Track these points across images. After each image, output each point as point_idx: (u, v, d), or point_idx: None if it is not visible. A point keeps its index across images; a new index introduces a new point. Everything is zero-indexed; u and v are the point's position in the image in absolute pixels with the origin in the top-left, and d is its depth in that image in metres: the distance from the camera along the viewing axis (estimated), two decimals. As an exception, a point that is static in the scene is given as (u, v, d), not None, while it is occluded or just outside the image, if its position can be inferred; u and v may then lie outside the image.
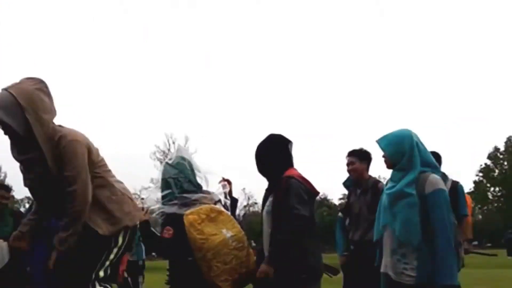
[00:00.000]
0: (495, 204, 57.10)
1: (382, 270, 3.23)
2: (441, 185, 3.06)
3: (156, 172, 34.36)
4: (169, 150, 37.66)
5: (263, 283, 3.20)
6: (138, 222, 3.10)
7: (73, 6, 70.78)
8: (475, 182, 57.08)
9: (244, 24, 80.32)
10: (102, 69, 70.33)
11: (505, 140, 56.49)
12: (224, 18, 73.53)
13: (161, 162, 37.12)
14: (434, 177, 3.08)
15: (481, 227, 72.50)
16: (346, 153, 5.13)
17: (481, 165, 57.18)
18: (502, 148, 56.61)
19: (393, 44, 77.03)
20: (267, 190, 3.51)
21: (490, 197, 57.23)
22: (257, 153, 3.44)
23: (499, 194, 56.49)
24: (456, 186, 5.50)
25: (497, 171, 56.69)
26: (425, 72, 77.74)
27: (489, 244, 67.57)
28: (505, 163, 56.13)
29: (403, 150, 3.14)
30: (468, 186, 54.32)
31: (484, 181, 56.91)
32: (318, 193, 3.42)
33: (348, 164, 5.06)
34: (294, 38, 77.33)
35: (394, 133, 3.26)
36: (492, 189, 57.04)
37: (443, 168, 5.72)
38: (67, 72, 63.01)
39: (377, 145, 3.27)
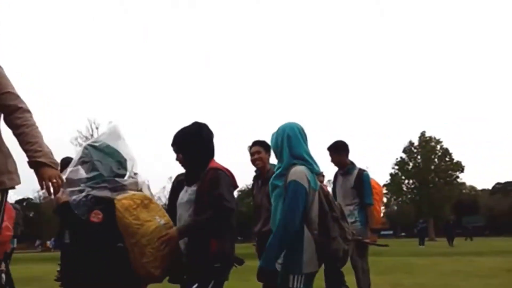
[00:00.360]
0: (409, 196, 59.71)
1: None
2: (297, 176, 3.05)
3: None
4: (91, 135, 36.61)
5: (178, 271, 3.23)
6: (15, 187, 2.68)
7: (73, 6, 67.57)
8: (391, 174, 59.61)
9: (244, 24, 79.18)
10: (101, 68, 67.44)
11: (419, 135, 59.46)
12: (224, 18, 72.30)
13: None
14: (296, 169, 3.09)
15: (395, 218, 76.23)
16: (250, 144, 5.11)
17: (396, 159, 59.85)
18: (416, 143, 59.39)
19: (393, 45, 79.13)
20: (183, 178, 3.45)
21: (405, 189, 59.81)
22: (185, 140, 3.31)
23: (412, 186, 59.10)
24: (361, 175, 5.50)
25: (411, 164, 59.36)
26: (425, 72, 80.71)
27: (403, 233, 71.21)
28: (419, 156, 58.83)
29: (277, 143, 3.26)
30: (385, 178, 56.88)
31: (399, 173, 59.45)
32: (237, 186, 3.42)
33: (253, 154, 5.02)
34: (293, 38, 77.40)
35: (279, 127, 3.32)
36: (406, 181, 59.59)
37: (354, 157, 5.79)
38: (67, 71, 60.46)
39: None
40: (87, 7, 68.91)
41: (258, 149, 5.00)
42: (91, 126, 37.51)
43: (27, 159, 2.49)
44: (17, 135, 2.50)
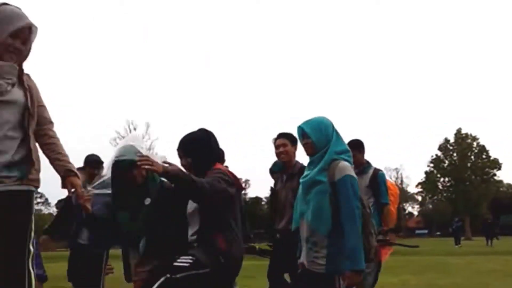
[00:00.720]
0: (445, 194, 58.87)
1: (299, 260, 3.22)
2: (349, 171, 3.03)
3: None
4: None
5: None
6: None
7: (73, 6, 69.06)
8: (426, 172, 58.83)
9: (244, 24, 79.23)
10: (101, 68, 68.66)
11: (455, 131, 58.48)
12: (224, 18, 72.49)
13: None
14: (344, 163, 3.05)
15: (431, 217, 75.12)
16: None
17: (432, 156, 59.04)
18: (452, 140, 58.48)
19: (427, 39, 78.18)
20: None
21: (440, 187, 58.97)
22: (193, 146, 3.34)
23: (448, 184, 58.25)
24: (376, 174, 5.38)
25: (447, 162, 58.48)
26: (461, 67, 79.76)
27: (438, 233, 70.06)
28: (455, 154, 57.95)
29: (328, 136, 3.13)
30: (420, 176, 56.10)
31: (435, 171, 58.62)
32: (242, 187, 3.39)
33: (278, 146, 4.77)
34: (293, 37, 77.16)
35: (317, 119, 3.22)
36: (442, 179, 58.76)
37: (370, 156, 5.63)
38: (67, 71, 61.94)
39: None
40: (86, 7, 69.82)
41: (283, 142, 4.76)
42: (129, 126, 38.54)
43: (58, 165, 2.72)
44: (48, 144, 2.71)
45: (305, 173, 3.22)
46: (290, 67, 78.84)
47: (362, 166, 5.52)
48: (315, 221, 3.03)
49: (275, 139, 4.87)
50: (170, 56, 79.39)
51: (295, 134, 4.53)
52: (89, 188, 4.71)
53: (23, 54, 2.58)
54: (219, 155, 3.45)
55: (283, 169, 4.89)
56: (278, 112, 65.52)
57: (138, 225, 3.46)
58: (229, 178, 3.19)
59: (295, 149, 4.76)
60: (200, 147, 3.32)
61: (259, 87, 74.29)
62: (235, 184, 3.26)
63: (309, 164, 3.23)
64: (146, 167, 2.83)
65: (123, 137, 37.43)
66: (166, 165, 2.97)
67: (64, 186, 2.73)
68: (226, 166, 4.35)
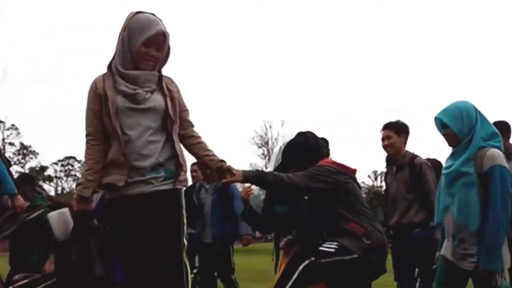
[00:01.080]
0: None
1: (441, 252, 3.07)
2: (499, 160, 2.80)
3: (254, 157, 36.33)
4: (266, 134, 38.98)
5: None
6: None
7: (74, 6, 72.40)
8: None
9: (244, 24, 77.76)
10: (103, 69, 71.41)
11: None
12: (224, 18, 71.62)
13: (259, 147, 38.10)
14: (493, 152, 2.83)
15: None
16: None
17: None
18: None
19: (394, 42, 72.28)
20: None
21: None
22: (293, 155, 3.32)
23: None
24: None
25: None
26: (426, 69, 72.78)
27: None
28: None
29: (471, 122, 2.91)
30: None
31: None
32: (353, 171, 3.22)
33: (383, 139, 4.50)
34: (294, 37, 74.55)
35: (456, 106, 3.00)
36: None
37: None
38: (69, 72, 65.06)
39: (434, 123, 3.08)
40: (86, 7, 70.65)
41: (388, 134, 4.47)
42: (265, 125, 39.80)
43: (211, 159, 2.82)
44: (196, 143, 2.79)
45: (448, 163, 3.03)
46: (291, 66, 74.84)
47: (507, 151, 4.44)
48: (462, 218, 2.86)
49: (381, 130, 4.63)
50: (170, 56, 77.73)
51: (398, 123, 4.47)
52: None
53: (159, 60, 2.62)
54: (324, 152, 3.38)
55: (391, 161, 4.67)
56: (278, 112, 63.09)
57: (297, 217, 3.40)
58: (332, 167, 3.10)
59: (403, 138, 4.52)
60: (300, 152, 3.28)
61: (259, 87, 72.19)
62: (343, 171, 3.13)
63: (452, 153, 3.04)
64: (228, 180, 2.85)
65: (261, 136, 39.10)
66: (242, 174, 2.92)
67: (221, 176, 2.82)
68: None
